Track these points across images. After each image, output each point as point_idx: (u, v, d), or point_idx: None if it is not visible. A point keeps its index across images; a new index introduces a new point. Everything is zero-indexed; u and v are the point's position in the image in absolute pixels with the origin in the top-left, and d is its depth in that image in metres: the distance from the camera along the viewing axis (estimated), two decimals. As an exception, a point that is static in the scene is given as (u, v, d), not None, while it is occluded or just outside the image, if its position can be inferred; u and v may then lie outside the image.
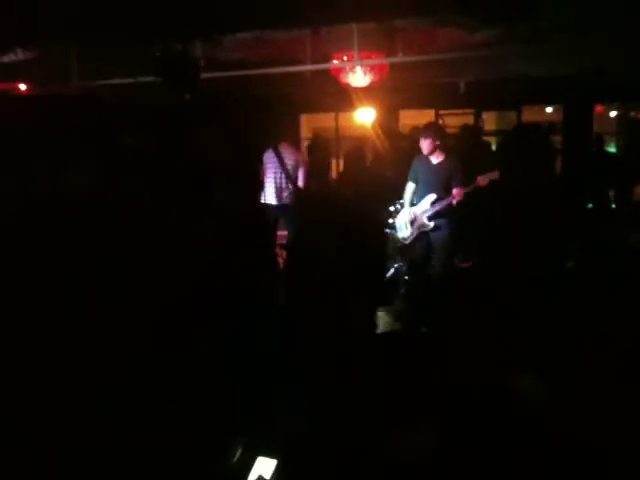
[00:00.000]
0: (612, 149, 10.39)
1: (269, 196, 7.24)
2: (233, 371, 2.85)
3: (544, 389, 2.90)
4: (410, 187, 6.51)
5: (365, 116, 9.51)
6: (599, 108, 10.90)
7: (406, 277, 6.93)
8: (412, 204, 6.45)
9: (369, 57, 6.52)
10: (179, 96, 5.46)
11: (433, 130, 6.25)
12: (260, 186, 7.18)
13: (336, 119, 12.30)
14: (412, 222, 6.41)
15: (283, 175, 7.15)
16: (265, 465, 2.27)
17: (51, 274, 2.88)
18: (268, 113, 8.73)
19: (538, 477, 2.22)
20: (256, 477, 2.23)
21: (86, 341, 2.76)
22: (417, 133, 6.55)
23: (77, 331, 2.79)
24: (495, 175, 5.99)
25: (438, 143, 6.12)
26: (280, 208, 7.28)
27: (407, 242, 6.58)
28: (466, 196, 6.05)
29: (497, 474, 2.23)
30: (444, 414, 2.62)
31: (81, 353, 2.69)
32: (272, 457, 2.28)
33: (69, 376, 2.58)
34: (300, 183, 7.26)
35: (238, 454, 2.21)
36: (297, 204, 7.27)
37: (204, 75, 6.50)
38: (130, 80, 7.03)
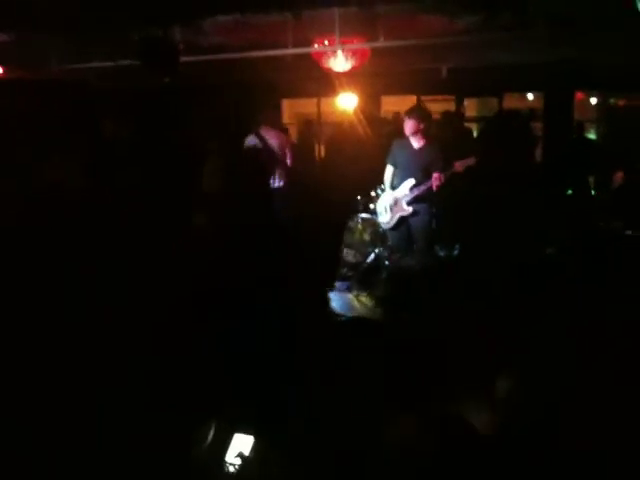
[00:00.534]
0: (592, 136, 10.47)
1: None
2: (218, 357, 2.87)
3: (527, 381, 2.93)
4: (389, 170, 6.50)
5: (347, 102, 9.49)
6: (579, 95, 10.95)
7: (387, 262, 6.95)
8: (392, 188, 6.45)
9: (351, 42, 6.49)
10: (158, 80, 5.41)
11: (418, 112, 6.24)
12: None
13: (318, 105, 12.27)
14: (392, 207, 6.41)
15: (269, 162, 7.07)
16: (244, 442, 2.29)
17: (41, 259, 2.87)
18: (249, 98, 8.69)
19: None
20: (236, 453, 2.26)
21: (70, 328, 2.75)
22: (400, 119, 6.54)
23: (61, 320, 2.78)
24: (471, 161, 6.00)
25: (422, 126, 6.11)
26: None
27: (388, 227, 6.59)
28: (445, 182, 6.05)
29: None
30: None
31: (64, 343, 2.69)
32: (249, 434, 2.30)
33: (58, 369, 2.59)
34: (289, 162, 7.21)
35: (212, 433, 2.23)
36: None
37: (184, 59, 6.45)
38: (110, 64, 6.94)
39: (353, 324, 5.37)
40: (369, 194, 7.39)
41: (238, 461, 2.15)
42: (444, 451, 2.18)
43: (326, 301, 5.13)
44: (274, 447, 2.27)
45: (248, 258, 3.81)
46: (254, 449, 2.20)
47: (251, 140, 7.06)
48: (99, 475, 2.17)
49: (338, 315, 6.07)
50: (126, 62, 6.48)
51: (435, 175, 5.98)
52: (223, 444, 2.18)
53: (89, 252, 2.93)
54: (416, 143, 6.23)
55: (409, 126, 6.13)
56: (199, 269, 3.46)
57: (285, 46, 6.70)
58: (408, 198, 6.24)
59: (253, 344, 2.98)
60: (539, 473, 2.17)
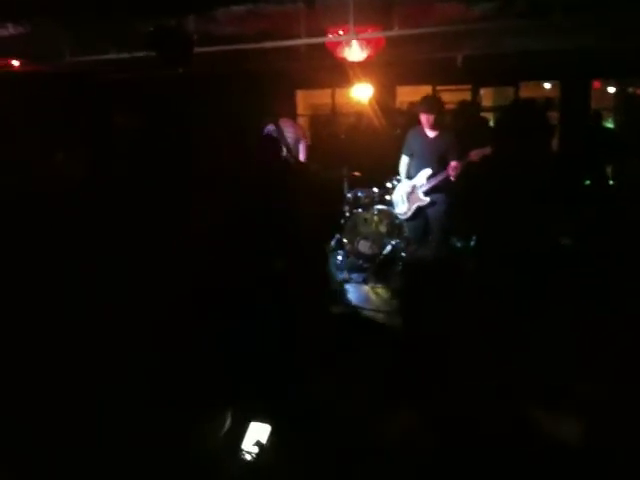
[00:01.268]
0: (610, 125, 10.34)
1: None
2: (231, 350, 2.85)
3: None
4: (404, 161, 6.48)
5: (362, 92, 9.43)
6: (597, 84, 10.82)
7: (403, 254, 6.91)
8: (409, 178, 6.41)
9: (365, 31, 6.43)
10: (172, 70, 5.39)
11: (428, 102, 6.20)
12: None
13: (332, 96, 12.21)
14: (409, 197, 6.37)
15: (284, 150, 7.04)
16: (261, 430, 2.28)
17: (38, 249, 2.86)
18: (264, 88, 8.66)
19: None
20: (254, 442, 2.25)
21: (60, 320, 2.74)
22: (415, 108, 6.48)
23: (51, 308, 2.77)
24: (487, 151, 5.93)
25: (433, 116, 6.07)
26: None
27: (405, 218, 6.55)
28: (462, 172, 5.99)
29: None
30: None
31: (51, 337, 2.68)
32: (265, 422, 2.29)
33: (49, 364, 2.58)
34: (301, 157, 7.17)
35: (228, 422, 2.22)
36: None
37: (198, 50, 6.43)
38: (124, 55, 6.93)
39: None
40: (385, 185, 7.35)
41: (255, 449, 2.14)
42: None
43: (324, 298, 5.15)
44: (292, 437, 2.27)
45: (259, 251, 3.79)
46: (271, 437, 2.19)
47: (269, 128, 7.03)
48: (115, 467, 2.17)
49: (354, 307, 6.07)
50: (140, 54, 6.46)
51: (453, 164, 5.94)
52: (239, 432, 2.17)
53: (90, 243, 2.92)
54: (430, 132, 6.19)
55: (427, 119, 6.10)
56: (206, 262, 3.44)
57: (299, 36, 6.65)
58: (425, 188, 6.20)
59: (256, 339, 2.97)
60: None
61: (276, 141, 5.96)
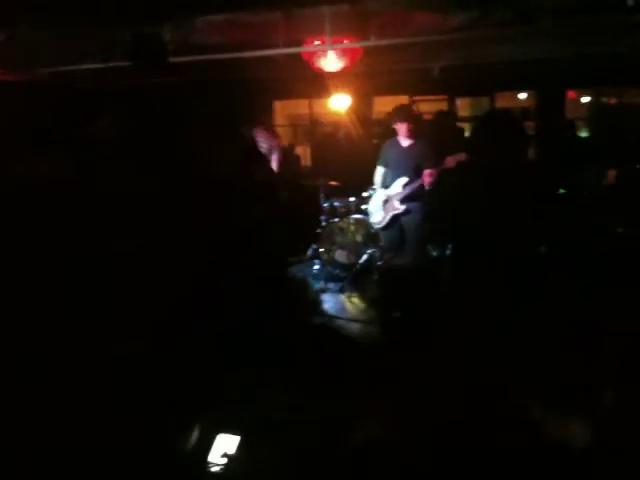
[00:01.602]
0: (584, 135, 10.47)
1: None
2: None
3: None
4: (379, 171, 6.51)
5: (339, 103, 9.46)
6: (571, 94, 10.96)
7: (379, 263, 6.92)
8: (385, 187, 6.44)
9: (341, 41, 6.44)
10: (148, 79, 5.36)
11: (401, 111, 6.27)
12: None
13: (310, 106, 12.24)
14: (384, 206, 6.39)
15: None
16: (228, 441, 2.25)
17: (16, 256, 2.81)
18: (241, 98, 8.64)
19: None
20: (221, 453, 2.22)
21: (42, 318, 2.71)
22: (391, 118, 6.52)
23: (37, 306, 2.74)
24: (462, 157, 5.97)
25: (408, 125, 6.13)
26: None
27: (380, 227, 6.56)
28: (437, 180, 6.02)
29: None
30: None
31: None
32: (235, 434, 2.26)
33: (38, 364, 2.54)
34: (274, 167, 7.16)
35: (196, 434, 2.19)
36: None
37: (175, 59, 6.40)
38: (101, 65, 6.89)
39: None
40: (361, 195, 7.37)
41: (223, 460, 2.11)
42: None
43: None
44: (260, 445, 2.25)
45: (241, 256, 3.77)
46: (239, 448, 2.16)
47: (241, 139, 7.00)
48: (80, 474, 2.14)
49: (330, 317, 6.06)
50: (116, 63, 6.42)
51: (426, 172, 5.97)
52: (207, 444, 2.14)
53: (69, 250, 2.89)
54: (406, 141, 6.24)
55: (403, 129, 6.17)
56: (189, 267, 3.42)
57: (276, 46, 6.64)
58: (401, 196, 6.22)
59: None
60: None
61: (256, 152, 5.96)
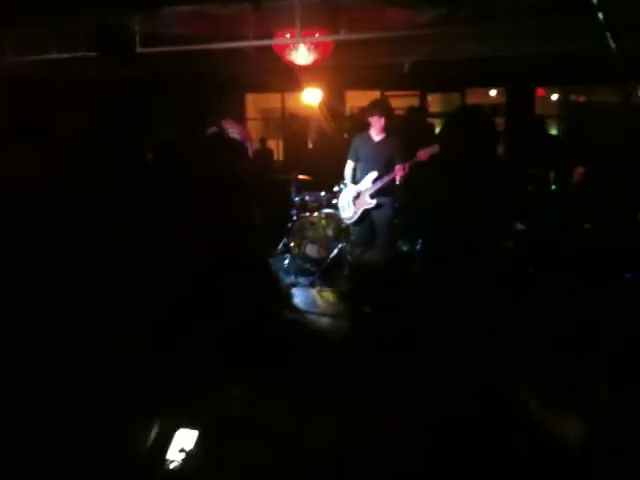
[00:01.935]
0: (553, 132, 10.58)
1: None
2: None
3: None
4: (349, 165, 6.49)
5: (312, 97, 9.43)
6: (541, 92, 11.07)
7: (349, 257, 6.92)
8: (355, 183, 6.43)
9: (312, 34, 6.41)
10: (115, 71, 5.29)
11: (379, 105, 6.26)
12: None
13: (282, 100, 12.19)
14: (354, 201, 6.38)
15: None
16: (187, 436, 2.22)
17: None
18: (214, 91, 8.58)
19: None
20: (178, 449, 2.19)
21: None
22: (364, 113, 6.52)
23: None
24: (435, 149, 5.98)
25: (384, 119, 6.13)
26: None
27: (351, 222, 6.55)
28: (409, 176, 6.03)
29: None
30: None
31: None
32: (193, 428, 2.24)
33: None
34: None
35: (155, 429, 2.16)
36: None
37: (142, 50, 6.32)
38: (65, 55, 6.77)
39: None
40: (332, 189, 7.36)
41: (181, 456, 2.09)
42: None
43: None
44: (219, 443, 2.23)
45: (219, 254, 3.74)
46: (197, 443, 2.14)
47: (212, 130, 6.93)
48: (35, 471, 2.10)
49: (301, 311, 6.04)
50: (82, 53, 6.32)
51: (398, 167, 5.97)
52: (165, 440, 2.12)
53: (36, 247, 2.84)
54: (377, 136, 6.24)
55: (379, 124, 6.14)
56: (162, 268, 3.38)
57: (246, 38, 6.60)
58: (371, 191, 6.22)
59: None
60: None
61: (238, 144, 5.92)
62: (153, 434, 2.15)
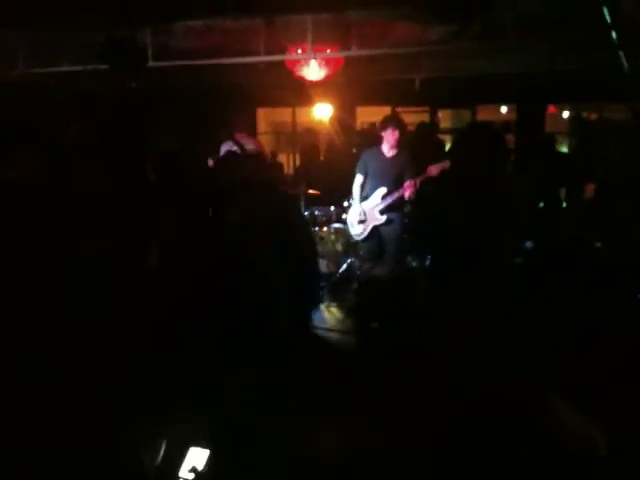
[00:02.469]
0: (564, 149, 10.55)
1: None
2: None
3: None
4: (358, 179, 6.47)
5: (322, 112, 9.46)
6: (552, 109, 11.06)
7: (358, 272, 6.89)
8: (363, 198, 6.41)
9: (323, 50, 6.44)
10: (125, 84, 5.31)
11: (396, 120, 6.27)
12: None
13: (293, 114, 12.24)
14: (364, 217, 6.36)
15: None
16: (198, 455, 2.19)
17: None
18: (224, 103, 8.60)
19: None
20: (189, 468, 2.16)
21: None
22: (375, 129, 6.53)
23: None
24: (446, 165, 5.97)
25: (398, 135, 6.13)
26: None
27: (361, 238, 6.54)
28: (419, 191, 6.02)
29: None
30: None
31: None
32: (204, 448, 2.21)
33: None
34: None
35: (163, 448, 2.13)
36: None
37: (154, 64, 6.36)
38: (78, 67, 6.83)
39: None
40: (342, 204, 7.35)
41: (191, 476, 2.06)
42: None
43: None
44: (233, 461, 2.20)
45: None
46: (209, 462, 2.11)
47: (229, 145, 6.94)
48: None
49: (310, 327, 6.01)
50: (94, 66, 6.37)
51: (408, 182, 5.96)
52: (175, 458, 2.09)
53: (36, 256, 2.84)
54: (389, 152, 6.22)
55: (393, 137, 6.12)
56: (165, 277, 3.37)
57: (257, 53, 6.63)
58: (381, 207, 6.20)
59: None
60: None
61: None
62: (162, 450, 2.13)
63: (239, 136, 6.98)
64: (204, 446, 2.17)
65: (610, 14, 4.94)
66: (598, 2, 4.70)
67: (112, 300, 2.88)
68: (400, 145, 6.23)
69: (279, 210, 4.19)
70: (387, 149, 6.23)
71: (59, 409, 2.35)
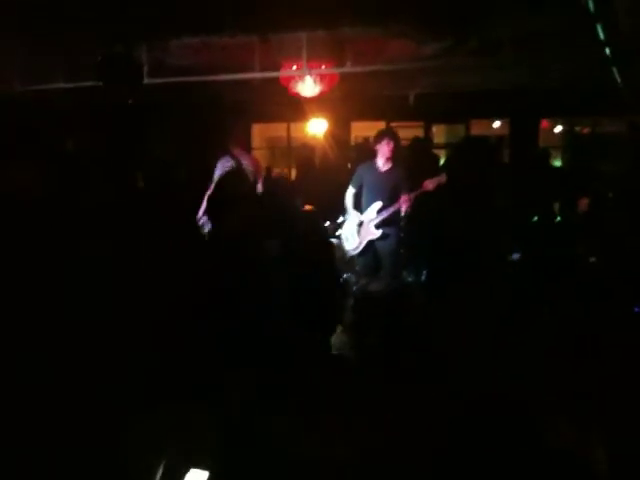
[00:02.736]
0: (557, 163, 10.60)
1: None
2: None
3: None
4: (350, 192, 6.43)
5: (317, 127, 9.50)
6: (545, 123, 11.12)
7: (354, 288, 6.87)
8: (359, 212, 6.40)
9: (318, 67, 6.46)
10: (121, 101, 5.32)
11: (392, 134, 6.28)
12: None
13: (288, 129, 12.27)
14: (359, 231, 6.36)
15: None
16: (197, 477, 2.17)
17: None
18: (220, 119, 8.61)
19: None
20: None
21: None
22: (369, 143, 6.55)
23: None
24: (442, 179, 5.99)
25: (393, 148, 6.13)
26: None
27: (355, 252, 6.52)
28: (414, 205, 6.02)
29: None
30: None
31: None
32: (204, 469, 2.18)
33: None
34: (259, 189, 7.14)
35: (161, 470, 2.10)
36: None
37: (150, 80, 6.36)
38: (74, 84, 6.84)
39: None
40: (336, 220, 7.34)
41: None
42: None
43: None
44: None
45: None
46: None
47: (226, 161, 6.91)
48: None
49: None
50: (90, 83, 6.37)
51: (403, 197, 5.96)
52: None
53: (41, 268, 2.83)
54: (383, 166, 6.21)
55: (388, 150, 6.12)
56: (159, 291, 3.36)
57: (252, 69, 6.65)
58: (376, 221, 6.20)
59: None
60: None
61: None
62: (160, 473, 2.10)
63: (236, 152, 6.97)
64: (203, 467, 2.15)
65: (604, 31, 4.98)
66: (592, 19, 4.73)
67: (112, 300, 2.88)
68: (395, 159, 6.23)
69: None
70: (382, 163, 6.22)
71: (59, 409, 2.37)
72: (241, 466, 2.21)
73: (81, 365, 2.56)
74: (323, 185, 8.39)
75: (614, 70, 6.18)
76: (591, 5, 4.35)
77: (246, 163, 6.95)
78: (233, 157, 6.87)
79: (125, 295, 3.04)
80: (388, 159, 6.17)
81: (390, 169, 6.20)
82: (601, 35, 5.10)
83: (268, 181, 10.07)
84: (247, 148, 7.77)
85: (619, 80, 6.46)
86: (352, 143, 11.11)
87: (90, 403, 2.39)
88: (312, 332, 3.44)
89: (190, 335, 3.04)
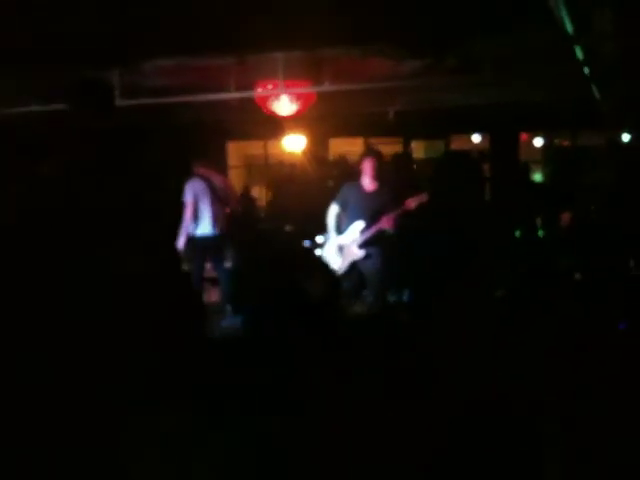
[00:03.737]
0: (538, 177, 10.60)
1: (205, 226, 6.86)
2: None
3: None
4: (333, 210, 6.31)
5: (295, 144, 9.40)
6: (524, 137, 11.13)
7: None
8: (341, 232, 6.29)
9: (295, 86, 6.36)
10: (91, 124, 5.18)
11: (377, 153, 6.25)
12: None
13: (265, 147, 12.17)
14: (342, 252, 6.23)
15: (218, 204, 6.87)
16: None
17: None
18: (192, 140, 8.50)
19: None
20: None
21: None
22: (345, 160, 6.49)
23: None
24: (424, 198, 5.91)
25: (378, 168, 6.06)
26: (218, 238, 6.95)
27: (339, 274, 6.40)
28: (397, 224, 5.94)
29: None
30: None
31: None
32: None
33: None
34: (230, 209, 7.05)
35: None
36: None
37: (124, 102, 6.21)
38: (40, 108, 6.70)
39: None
40: (315, 240, 7.23)
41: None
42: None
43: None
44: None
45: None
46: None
47: (196, 181, 6.82)
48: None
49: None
50: (61, 106, 6.23)
51: (386, 217, 5.88)
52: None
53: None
54: (369, 186, 6.12)
55: (370, 167, 6.04)
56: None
57: (228, 89, 6.54)
58: (359, 241, 6.09)
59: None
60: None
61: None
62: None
63: (205, 172, 6.87)
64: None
65: (583, 52, 4.93)
66: (571, 41, 4.68)
67: (111, 301, 2.81)
68: (380, 178, 6.13)
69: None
70: (367, 182, 6.13)
71: (59, 409, 2.35)
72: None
73: (81, 365, 2.50)
74: (301, 204, 8.29)
75: (593, 87, 6.16)
76: (569, 28, 4.28)
77: (216, 183, 6.88)
78: (203, 178, 6.82)
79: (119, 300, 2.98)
80: (373, 178, 6.08)
81: (376, 189, 6.11)
82: (580, 55, 5.05)
83: (245, 199, 9.99)
84: (219, 168, 7.69)
85: (598, 97, 6.45)
86: (330, 159, 11.03)
87: (90, 403, 2.39)
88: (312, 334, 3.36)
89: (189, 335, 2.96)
